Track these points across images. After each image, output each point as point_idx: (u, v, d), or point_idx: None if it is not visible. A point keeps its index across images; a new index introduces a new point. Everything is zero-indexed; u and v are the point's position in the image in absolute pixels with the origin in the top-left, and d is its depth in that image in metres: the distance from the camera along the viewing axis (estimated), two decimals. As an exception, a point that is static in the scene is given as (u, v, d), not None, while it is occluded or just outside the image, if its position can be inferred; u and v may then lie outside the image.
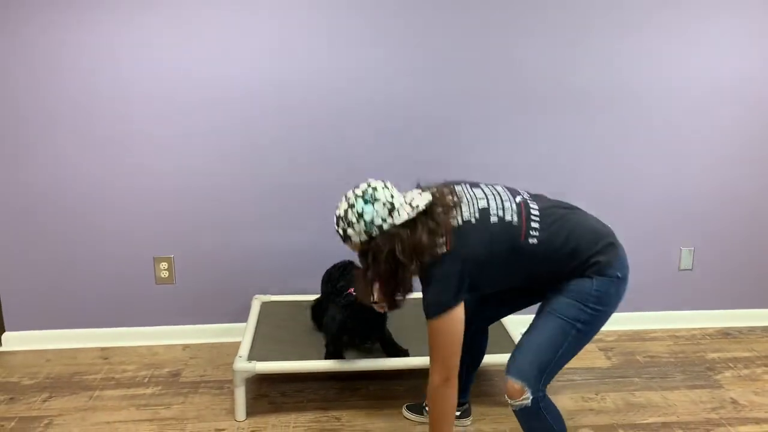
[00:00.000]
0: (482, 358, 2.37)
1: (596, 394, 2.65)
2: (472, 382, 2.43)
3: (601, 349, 3.03)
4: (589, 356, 2.97)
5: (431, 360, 1.85)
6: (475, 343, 2.30)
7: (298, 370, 2.50)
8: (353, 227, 1.78)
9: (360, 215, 1.76)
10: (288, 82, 2.86)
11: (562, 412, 1.99)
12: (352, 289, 2.45)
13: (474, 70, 2.91)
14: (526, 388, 1.82)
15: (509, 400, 1.86)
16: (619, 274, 1.84)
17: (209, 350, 3.02)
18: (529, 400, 1.83)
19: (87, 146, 2.84)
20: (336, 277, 2.67)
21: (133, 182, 2.90)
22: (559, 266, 1.84)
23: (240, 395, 2.45)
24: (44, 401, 2.59)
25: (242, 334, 2.65)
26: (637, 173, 3.10)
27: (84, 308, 3.02)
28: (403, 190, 1.87)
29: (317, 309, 2.77)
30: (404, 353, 2.51)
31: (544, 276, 1.88)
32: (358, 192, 1.80)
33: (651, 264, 3.20)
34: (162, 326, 3.08)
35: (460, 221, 1.81)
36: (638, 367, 2.90)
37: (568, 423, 2.46)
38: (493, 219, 1.83)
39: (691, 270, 3.24)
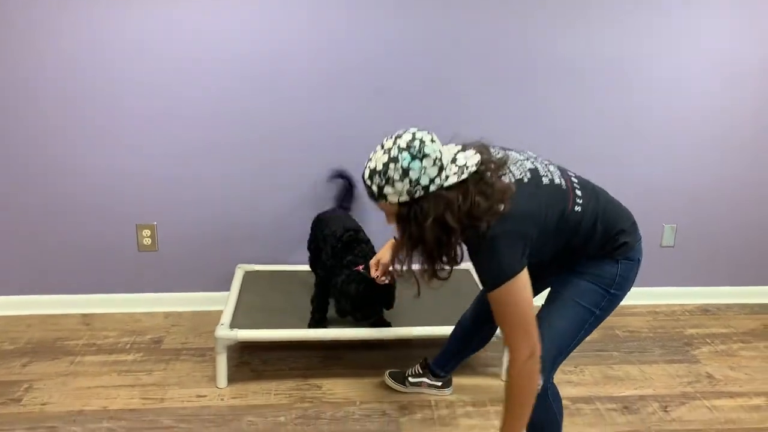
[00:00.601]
0: (484, 345, 2.35)
1: (575, 367, 2.69)
2: (463, 360, 2.44)
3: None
4: (569, 330, 3.00)
5: (509, 336, 1.62)
6: (486, 333, 2.28)
7: (280, 338, 2.51)
8: (393, 185, 1.51)
9: (405, 172, 1.49)
10: (274, 46, 2.82)
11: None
12: (362, 267, 2.35)
13: (475, 38, 2.89)
14: (539, 378, 1.71)
15: None
16: (640, 258, 1.79)
17: (191, 318, 3.02)
18: (539, 388, 1.72)
19: (70, 114, 2.79)
20: (333, 235, 2.53)
21: (116, 149, 2.86)
22: (592, 241, 1.73)
23: (221, 362, 2.46)
24: (24, 366, 2.59)
25: (225, 303, 2.65)
26: (621, 151, 3.10)
27: (66, 274, 3.00)
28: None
29: (314, 255, 2.79)
30: (386, 324, 2.53)
31: (576, 250, 1.75)
32: (402, 143, 1.51)
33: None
34: (144, 293, 3.07)
35: (512, 179, 1.63)
36: (618, 341, 2.94)
37: (547, 394, 2.50)
38: (545, 180, 1.67)
39: (672, 247, 3.27)
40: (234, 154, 2.93)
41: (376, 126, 2.96)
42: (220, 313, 2.56)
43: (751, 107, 3.11)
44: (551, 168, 1.72)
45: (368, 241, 2.53)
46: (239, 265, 3.01)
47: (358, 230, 2.53)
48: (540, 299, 1.80)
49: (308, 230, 2.85)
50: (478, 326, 2.24)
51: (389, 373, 2.53)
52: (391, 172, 1.50)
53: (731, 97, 3.08)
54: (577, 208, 1.69)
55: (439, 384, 2.46)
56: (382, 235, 2.44)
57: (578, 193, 1.71)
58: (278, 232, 3.05)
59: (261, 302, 2.71)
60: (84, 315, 3.02)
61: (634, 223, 1.80)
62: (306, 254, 2.88)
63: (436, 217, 1.52)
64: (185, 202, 2.97)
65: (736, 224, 3.28)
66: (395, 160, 1.49)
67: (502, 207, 1.55)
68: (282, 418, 2.31)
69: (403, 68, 2.89)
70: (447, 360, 2.42)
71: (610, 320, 3.16)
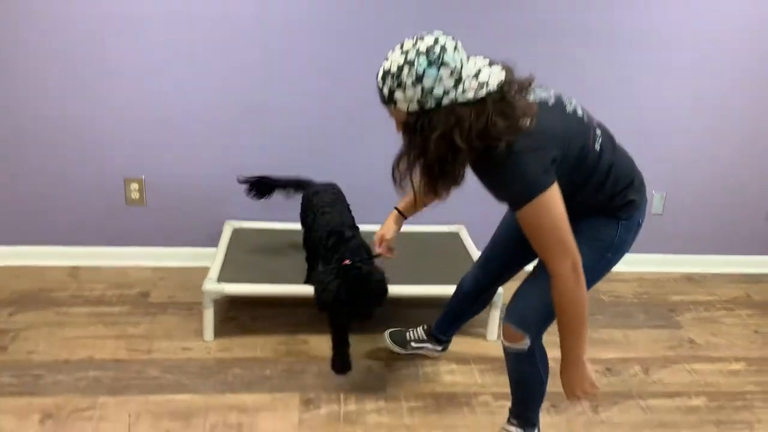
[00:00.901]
0: (485, 307, 2.39)
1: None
2: (464, 324, 2.43)
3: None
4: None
5: (549, 255, 1.56)
6: (487, 296, 2.31)
7: (267, 293, 2.51)
8: (404, 91, 1.42)
9: (419, 78, 1.39)
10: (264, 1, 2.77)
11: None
12: (348, 261, 2.08)
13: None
14: (526, 336, 1.75)
15: (505, 343, 1.82)
16: (641, 221, 1.77)
17: (179, 273, 3.01)
18: (526, 347, 1.77)
19: (59, 66, 2.74)
20: (319, 210, 2.37)
21: (105, 102, 2.82)
22: (603, 190, 1.67)
23: (208, 316, 2.47)
24: (10, 315, 2.59)
25: (212, 259, 2.65)
26: (612, 116, 3.08)
27: (54, 226, 2.98)
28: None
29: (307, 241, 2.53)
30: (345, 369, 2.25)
31: (584, 199, 1.68)
32: (422, 47, 1.40)
33: (623, 207, 3.23)
34: (132, 247, 3.06)
35: (536, 99, 1.56)
36: (603, 306, 2.97)
37: (530, 355, 2.53)
38: (569, 108, 1.61)
39: (661, 215, 3.28)
40: (224, 108, 2.89)
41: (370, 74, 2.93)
42: (207, 269, 2.55)
43: (741, 77, 3.09)
44: (574, 101, 1.66)
45: (354, 236, 2.24)
46: (228, 222, 3.00)
47: (341, 231, 2.23)
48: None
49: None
50: (479, 291, 2.24)
51: (390, 334, 2.48)
52: (404, 77, 1.40)
53: (721, 66, 3.07)
54: (597, 147, 1.62)
55: (440, 348, 2.46)
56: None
57: (597, 132, 1.65)
58: (268, 189, 3.03)
59: (249, 258, 2.71)
60: (71, 267, 3.01)
61: (643, 183, 1.77)
62: (294, 211, 2.86)
63: (443, 132, 1.43)
64: (174, 156, 2.94)
65: (724, 194, 3.30)
66: (411, 64, 1.39)
67: (527, 122, 1.47)
68: (268, 371, 2.33)
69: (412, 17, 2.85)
70: (448, 324, 2.41)
71: (596, 286, 3.17)
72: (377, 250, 2.15)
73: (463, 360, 2.48)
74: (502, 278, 2.19)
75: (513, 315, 1.79)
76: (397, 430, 2.08)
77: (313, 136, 2.97)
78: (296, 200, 3.07)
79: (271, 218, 3.05)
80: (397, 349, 2.47)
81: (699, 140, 3.18)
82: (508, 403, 2.09)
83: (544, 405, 2.01)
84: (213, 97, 2.87)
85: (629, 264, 3.28)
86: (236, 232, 2.94)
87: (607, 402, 2.28)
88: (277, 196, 2.91)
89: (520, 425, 1.98)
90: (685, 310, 2.98)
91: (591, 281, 1.70)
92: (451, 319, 2.39)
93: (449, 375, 2.39)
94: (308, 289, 2.47)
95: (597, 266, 1.74)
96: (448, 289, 2.42)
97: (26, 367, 2.27)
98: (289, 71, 2.87)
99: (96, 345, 2.43)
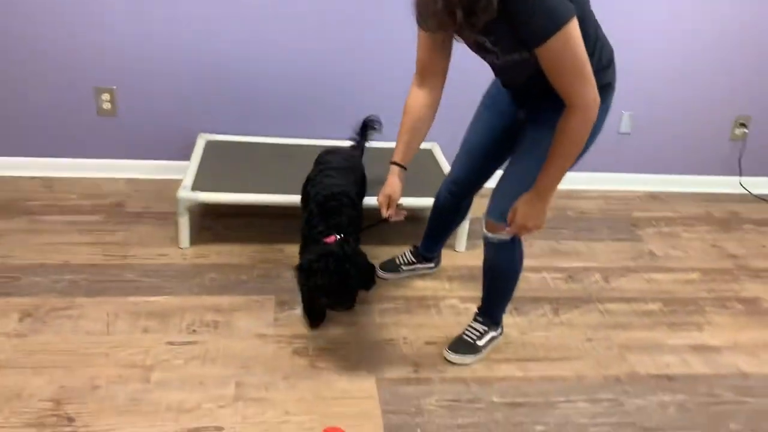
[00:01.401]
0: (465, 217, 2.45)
1: (525, 241, 2.81)
2: (448, 238, 2.49)
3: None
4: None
5: (572, 86, 1.57)
6: (465, 207, 2.34)
7: (241, 202, 2.55)
8: None
9: None
10: None
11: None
12: (333, 237, 1.95)
13: None
14: (507, 227, 1.84)
15: (488, 234, 1.91)
16: (610, 106, 1.80)
17: (153, 185, 3.02)
18: (509, 236, 1.88)
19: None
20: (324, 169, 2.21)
21: (75, 7, 2.74)
22: (591, 61, 1.63)
23: (183, 223, 2.50)
24: (-16, 222, 2.60)
25: (186, 171, 2.65)
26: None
27: (26, 137, 2.95)
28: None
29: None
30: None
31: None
32: None
33: (592, 126, 3.29)
34: (105, 159, 3.04)
35: None
36: (568, 220, 3.06)
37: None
38: None
39: (629, 134, 3.35)
40: (200, 16, 2.84)
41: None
42: (181, 181, 2.56)
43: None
44: None
45: (354, 206, 2.13)
46: (201, 134, 3.00)
47: (344, 195, 2.09)
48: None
49: (278, 98, 2.81)
50: (457, 202, 2.28)
51: (381, 266, 2.46)
52: None
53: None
54: (591, 10, 1.66)
55: (432, 265, 2.52)
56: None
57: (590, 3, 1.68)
58: (243, 102, 3.02)
59: (223, 169, 2.72)
60: (45, 178, 2.99)
61: (615, 68, 1.80)
62: (267, 123, 2.87)
63: None
64: (146, 66, 2.89)
65: (690, 116, 3.37)
66: None
67: None
68: (244, 276, 2.40)
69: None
70: (434, 243, 2.46)
71: (562, 202, 3.29)
72: (385, 213, 2.01)
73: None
74: (479, 183, 2.20)
75: (495, 210, 1.88)
76: (368, 328, 2.18)
77: (294, 41, 2.94)
78: (269, 113, 3.10)
79: (244, 132, 3.05)
80: (390, 275, 2.47)
81: (668, 61, 3.22)
82: (474, 306, 2.20)
83: (507, 307, 2.12)
84: (188, 4, 2.81)
85: (595, 182, 3.41)
86: (209, 145, 2.94)
87: (567, 306, 2.40)
88: (250, 108, 2.91)
89: (485, 323, 2.10)
90: (647, 225, 3.10)
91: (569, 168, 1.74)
92: (435, 236, 2.44)
93: (420, 281, 2.48)
94: (282, 199, 2.53)
95: None
96: (424, 201, 2.50)
97: (2, 270, 2.30)
98: (262, -20, 2.82)
99: (71, 251, 2.46)
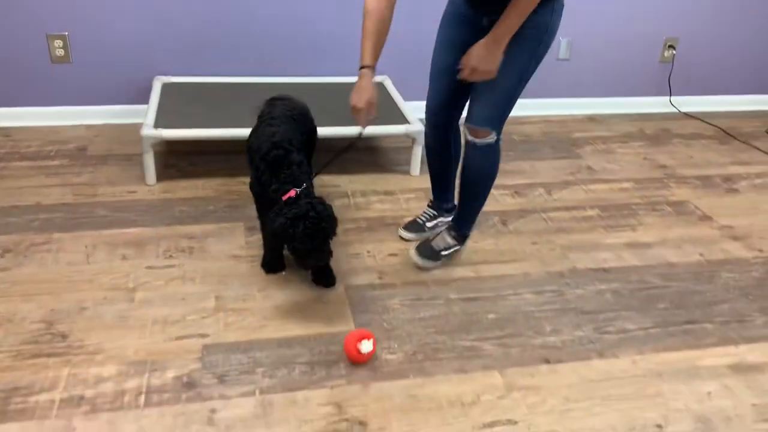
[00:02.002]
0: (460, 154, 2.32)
1: (475, 163, 3.02)
2: (454, 179, 2.40)
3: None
4: (472, 135, 3.31)
5: None
6: (456, 137, 2.29)
7: (203, 137, 2.66)
8: None
9: None
10: None
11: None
12: (293, 191, 1.93)
13: None
14: (492, 130, 2.02)
15: (474, 140, 2.04)
16: (563, 2, 1.95)
17: (114, 130, 3.09)
18: (494, 139, 2.05)
19: None
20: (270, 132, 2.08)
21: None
22: None
23: (149, 161, 2.61)
24: (-51, 171, 2.65)
25: (145, 114, 2.73)
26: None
27: (-23, 87, 2.98)
28: None
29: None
30: (332, 283, 2.15)
31: None
32: None
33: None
34: (63, 107, 3.09)
35: None
36: (513, 144, 3.27)
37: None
38: None
39: (568, 60, 3.55)
40: (143, -39, 2.88)
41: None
42: (141, 124, 2.64)
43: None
44: None
45: (301, 163, 2.04)
46: (157, 77, 3.06)
47: (289, 148, 2.02)
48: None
49: (234, 40, 2.88)
50: (444, 135, 2.25)
51: (404, 227, 2.44)
52: None
53: None
54: None
55: (451, 218, 2.40)
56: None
57: None
58: (198, 43, 3.09)
59: (182, 109, 2.81)
60: (2, 128, 3.03)
61: None
62: (223, 64, 2.95)
63: None
64: (98, 9, 2.93)
65: (623, 42, 3.58)
66: None
67: None
68: (211, 207, 2.53)
69: None
70: (442, 190, 2.43)
71: (507, 128, 3.46)
72: (363, 123, 2.07)
73: (390, 192, 2.74)
74: (457, 107, 2.20)
75: (477, 117, 2.01)
76: (334, 245, 2.34)
77: (236, -12, 3.01)
78: (226, 53, 3.17)
79: (199, 73, 3.13)
80: (413, 236, 2.41)
81: (602, -12, 3.41)
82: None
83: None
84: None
85: (537, 108, 3.62)
86: (166, 87, 3.02)
87: (514, 217, 2.61)
88: (203, 49, 2.98)
89: (456, 237, 2.29)
90: (586, 144, 3.33)
91: (533, 69, 1.98)
92: (440, 182, 2.41)
93: (379, 204, 2.65)
94: (242, 132, 2.63)
95: (537, 52, 1.95)
96: (380, 129, 2.68)
97: (-24, 214, 2.38)
98: None
99: (41, 193, 2.54)
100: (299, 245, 1.87)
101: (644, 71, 3.70)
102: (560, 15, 1.97)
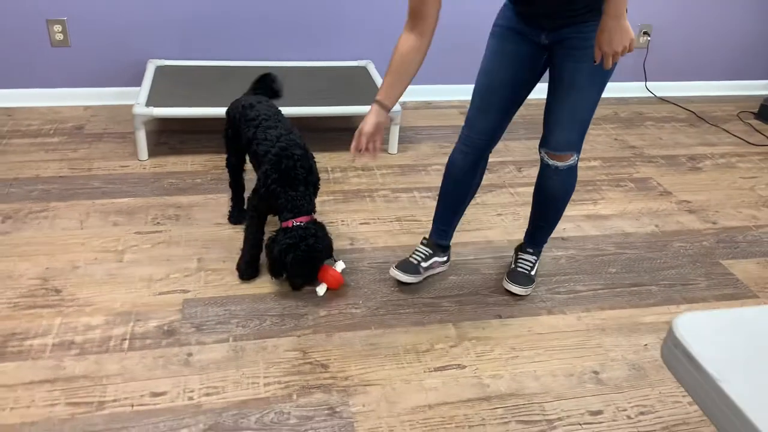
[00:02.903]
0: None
1: (450, 143, 3.18)
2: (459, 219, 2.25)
3: (461, 113, 3.52)
4: (447, 116, 3.47)
5: None
6: (483, 167, 2.14)
7: (192, 115, 2.83)
8: None
9: None
10: None
11: (420, 155, 2.48)
12: (292, 222, 1.98)
13: None
14: (574, 153, 1.96)
15: (556, 164, 1.97)
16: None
17: (109, 110, 3.28)
18: (575, 161, 1.98)
19: None
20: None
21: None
22: None
23: (141, 137, 2.78)
24: (-45, 147, 2.83)
25: (137, 95, 2.90)
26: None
27: (-19, 70, 3.16)
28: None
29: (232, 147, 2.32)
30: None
31: None
32: None
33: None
34: (61, 88, 3.27)
35: None
36: (491, 125, 3.43)
37: (424, 162, 2.98)
38: None
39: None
40: (137, -50, 3.05)
41: None
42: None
43: None
44: None
45: (308, 163, 2.05)
46: (150, 60, 3.24)
47: (294, 144, 2.03)
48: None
49: (222, 24, 3.05)
50: (474, 164, 2.08)
51: (397, 267, 2.16)
52: None
53: None
54: None
55: (445, 259, 2.26)
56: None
57: None
58: (189, 27, 3.26)
59: (174, 89, 2.98)
60: (5, 108, 3.21)
61: None
62: (213, 50, 3.09)
63: None
64: (93, -3, 3.11)
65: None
66: None
67: None
68: (199, 180, 2.71)
69: None
70: (447, 224, 2.22)
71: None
72: (356, 152, 1.87)
73: (367, 168, 2.91)
74: (496, 135, 2.04)
75: (561, 143, 1.93)
76: (309, 213, 2.53)
77: (225, -24, 3.18)
78: (216, 38, 3.34)
79: (190, 57, 3.30)
80: (410, 278, 2.15)
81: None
82: (404, 195, 2.55)
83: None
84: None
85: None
86: (159, 70, 3.19)
87: (483, 191, 2.77)
88: (194, 34, 3.14)
89: (535, 253, 2.23)
90: (560, 126, 3.48)
91: (606, 84, 1.87)
92: (448, 214, 2.19)
93: (356, 178, 2.82)
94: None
95: (609, 71, 1.84)
96: (362, 109, 2.84)
97: (-21, 184, 2.57)
98: None
99: (40, 167, 2.72)
100: (291, 275, 2.00)
101: (621, 59, 3.84)
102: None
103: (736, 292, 2.25)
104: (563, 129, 1.91)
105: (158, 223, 2.40)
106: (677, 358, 0.83)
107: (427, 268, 2.19)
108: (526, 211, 2.64)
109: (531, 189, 2.80)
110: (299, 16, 3.33)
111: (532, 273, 2.20)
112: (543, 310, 2.10)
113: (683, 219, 2.67)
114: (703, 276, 2.32)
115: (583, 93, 1.84)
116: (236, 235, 2.36)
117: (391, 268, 2.16)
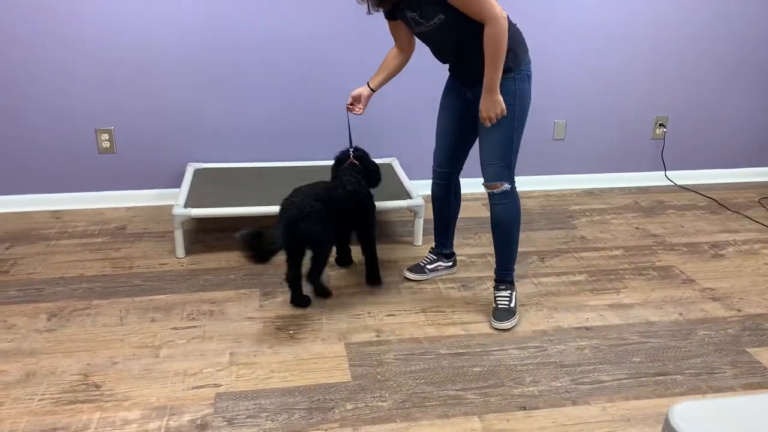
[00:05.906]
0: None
1: (474, 234, 3.28)
2: (453, 230, 2.87)
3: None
4: (471, 208, 3.58)
5: (483, 10, 2.12)
6: (456, 185, 2.74)
7: (228, 214, 2.99)
8: None
9: None
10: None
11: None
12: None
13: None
14: (503, 182, 2.41)
15: (493, 191, 2.43)
16: (529, 74, 2.35)
17: (150, 211, 3.48)
18: (509, 187, 2.42)
19: (31, 20, 3.14)
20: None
21: (75, 57, 3.23)
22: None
23: (179, 236, 2.95)
24: (7, 248, 3.02)
25: (178, 194, 3.09)
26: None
27: (36, 176, 3.40)
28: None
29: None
30: (328, 293, 2.71)
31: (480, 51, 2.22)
32: None
33: (528, 135, 3.79)
34: (106, 191, 3.49)
35: None
36: (513, 216, 3.53)
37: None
38: None
39: (563, 140, 3.85)
40: (182, 63, 3.33)
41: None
42: (174, 205, 3.00)
43: (626, 12, 3.65)
44: None
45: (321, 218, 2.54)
46: (189, 164, 3.46)
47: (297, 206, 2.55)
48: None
49: (254, 129, 3.27)
50: (446, 186, 2.70)
51: (408, 269, 2.87)
52: None
53: (615, 7, 3.62)
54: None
55: (450, 264, 2.90)
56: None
57: None
58: (224, 134, 3.49)
59: (210, 190, 3.17)
60: (54, 211, 3.44)
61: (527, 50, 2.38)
62: (248, 150, 3.31)
63: None
64: (139, 107, 3.37)
65: (617, 121, 3.88)
66: None
67: None
68: (232, 276, 2.84)
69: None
70: (444, 236, 2.85)
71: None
72: (348, 107, 2.63)
73: (393, 261, 3.01)
74: (458, 162, 2.67)
75: (488, 176, 2.42)
76: (338, 307, 2.61)
77: (266, 88, 3.43)
78: (248, 141, 3.56)
79: (227, 159, 3.52)
80: (417, 276, 2.84)
81: (593, 76, 3.74)
82: (429, 287, 2.64)
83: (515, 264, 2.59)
84: (171, 53, 3.30)
85: (537, 184, 3.89)
86: (197, 172, 3.40)
87: (507, 281, 2.84)
88: (230, 139, 3.36)
89: (507, 287, 2.59)
90: (581, 215, 3.57)
91: (522, 121, 2.37)
92: (442, 229, 2.83)
93: (382, 271, 2.91)
94: (262, 210, 2.98)
95: (515, 111, 2.33)
96: (389, 204, 3.03)
97: (28, 284, 2.72)
98: (248, 23, 3.32)
99: (85, 266, 2.89)
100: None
101: (638, 148, 3.97)
102: (525, 80, 2.34)
103: (763, 381, 2.24)
104: (487, 165, 2.42)
105: (193, 318, 2.51)
106: (677, 448, 0.88)
107: (431, 270, 2.85)
108: (550, 301, 2.69)
109: (554, 279, 2.88)
110: (327, 119, 3.55)
111: (512, 305, 2.55)
112: (568, 401, 2.11)
113: (707, 307, 2.69)
114: (729, 364, 2.32)
115: (493, 135, 2.36)
116: (266, 329, 2.45)
117: (404, 270, 2.86)
